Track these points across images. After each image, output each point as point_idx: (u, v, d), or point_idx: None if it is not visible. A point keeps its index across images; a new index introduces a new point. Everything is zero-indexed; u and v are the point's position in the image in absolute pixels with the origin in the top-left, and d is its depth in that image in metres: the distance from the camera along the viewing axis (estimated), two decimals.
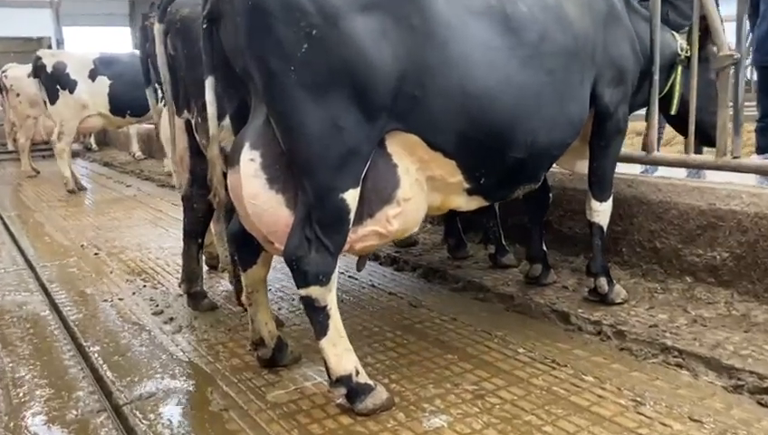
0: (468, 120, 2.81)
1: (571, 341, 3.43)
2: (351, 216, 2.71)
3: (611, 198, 3.70)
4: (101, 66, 9.36)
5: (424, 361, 3.29)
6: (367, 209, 2.79)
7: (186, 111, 3.91)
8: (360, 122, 2.63)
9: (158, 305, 4.33)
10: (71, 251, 5.99)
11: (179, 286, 4.38)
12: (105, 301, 4.49)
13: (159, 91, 4.79)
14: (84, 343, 3.75)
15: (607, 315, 3.56)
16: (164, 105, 4.92)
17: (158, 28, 3.67)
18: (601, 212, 3.69)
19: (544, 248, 4.13)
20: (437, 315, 3.87)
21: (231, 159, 2.85)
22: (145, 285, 4.80)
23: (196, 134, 3.88)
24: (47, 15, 19.88)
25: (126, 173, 11.31)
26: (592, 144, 3.61)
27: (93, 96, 9.30)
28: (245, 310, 3.80)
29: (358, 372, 2.79)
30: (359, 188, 2.70)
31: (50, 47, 18.52)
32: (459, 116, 2.79)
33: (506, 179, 3.14)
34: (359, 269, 3.17)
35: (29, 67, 11.03)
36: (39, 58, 9.15)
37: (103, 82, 9.35)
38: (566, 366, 3.13)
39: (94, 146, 15.09)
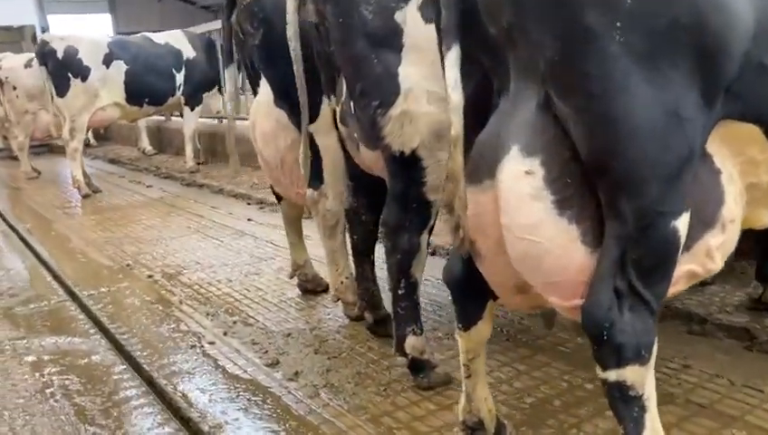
0: None
1: None
2: (680, 253, 1.76)
3: None
4: (117, 49, 8.24)
5: None
6: (686, 240, 1.83)
7: (332, 97, 2.93)
8: (699, 108, 1.67)
9: (266, 352, 3.34)
10: (116, 273, 4.96)
11: (365, 315, 3.37)
12: (192, 347, 3.49)
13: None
14: (193, 416, 2.77)
15: None
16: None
17: None
18: None
19: None
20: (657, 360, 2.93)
21: (477, 171, 1.87)
22: (235, 321, 3.79)
23: (342, 127, 2.90)
24: (25, 3, 18.52)
25: (139, 171, 10.20)
26: None
27: (108, 84, 8.18)
28: (408, 358, 2.86)
29: None
30: (690, 211, 1.74)
31: (34, 36, 17.22)
32: None
33: None
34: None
35: (25, 57, 9.94)
36: (46, 43, 8.00)
37: (119, 68, 8.24)
38: None
39: (93, 141, 13.86)
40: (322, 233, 3.52)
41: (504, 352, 3.13)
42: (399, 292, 2.77)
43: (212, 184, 8.30)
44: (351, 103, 2.74)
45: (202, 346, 3.49)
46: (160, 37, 8.93)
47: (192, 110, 9.14)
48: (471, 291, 2.08)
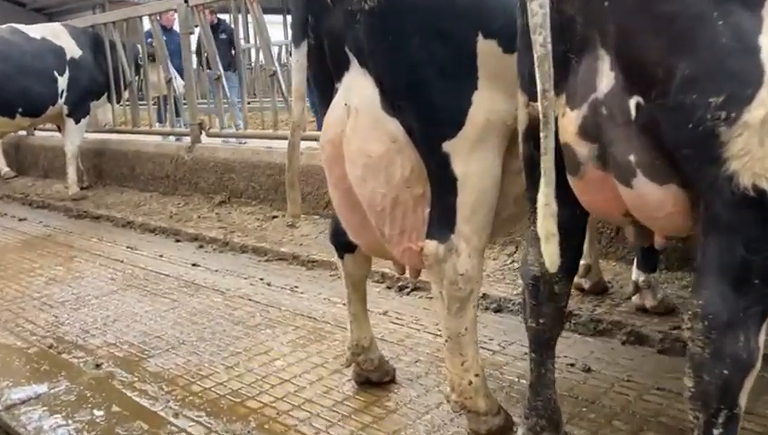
0: None
1: None
2: None
3: None
4: None
5: None
6: None
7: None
8: None
9: None
10: (37, 362, 3.30)
11: None
12: None
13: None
14: None
15: None
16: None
17: None
18: None
19: None
20: None
21: None
22: None
23: (583, 143, 1.72)
24: None
25: None
26: None
27: None
28: None
29: None
30: None
31: None
32: None
33: None
34: None
35: None
36: None
37: None
38: None
39: None
40: (447, 307, 2.27)
41: None
42: (715, 431, 1.60)
43: (113, 215, 6.58)
44: (633, 103, 1.56)
45: None
46: (35, 30, 7.05)
47: (77, 122, 7.32)
48: None
